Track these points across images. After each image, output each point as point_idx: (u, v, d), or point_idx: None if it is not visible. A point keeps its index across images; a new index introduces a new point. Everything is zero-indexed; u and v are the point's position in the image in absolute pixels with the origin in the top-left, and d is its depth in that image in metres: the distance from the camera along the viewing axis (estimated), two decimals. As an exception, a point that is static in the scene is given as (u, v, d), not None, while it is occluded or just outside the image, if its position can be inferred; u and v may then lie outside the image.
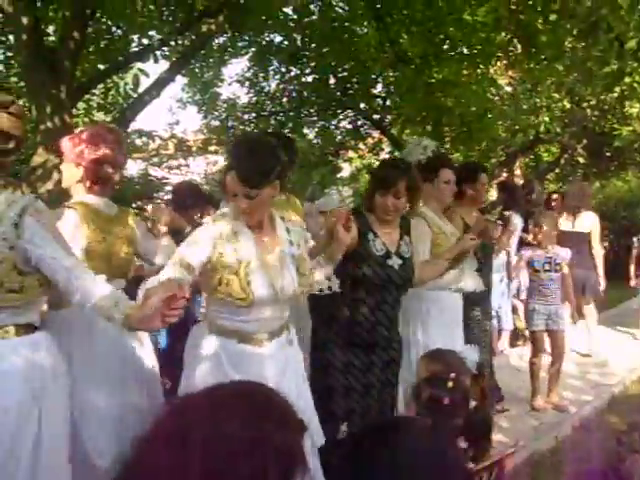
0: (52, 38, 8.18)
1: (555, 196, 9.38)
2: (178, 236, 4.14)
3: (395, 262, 3.73)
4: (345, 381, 3.71)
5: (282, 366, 3.09)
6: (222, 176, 3.07)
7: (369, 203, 3.80)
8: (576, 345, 7.79)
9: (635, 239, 9.58)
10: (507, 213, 7.05)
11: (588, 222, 7.87)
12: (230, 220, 2.99)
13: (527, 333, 6.77)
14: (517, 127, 12.60)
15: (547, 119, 12.60)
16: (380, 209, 3.73)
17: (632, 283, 9.37)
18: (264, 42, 11.69)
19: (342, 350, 3.73)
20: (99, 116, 11.01)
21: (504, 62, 9.28)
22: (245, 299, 2.93)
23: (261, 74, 13.47)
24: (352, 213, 3.55)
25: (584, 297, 7.82)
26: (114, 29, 8.41)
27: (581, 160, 16.48)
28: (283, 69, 12.93)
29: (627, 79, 5.93)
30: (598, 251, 7.93)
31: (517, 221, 7.64)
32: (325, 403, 3.59)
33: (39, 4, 6.57)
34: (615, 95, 8.69)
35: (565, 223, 7.85)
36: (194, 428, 1.30)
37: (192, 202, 5.56)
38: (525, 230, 8.10)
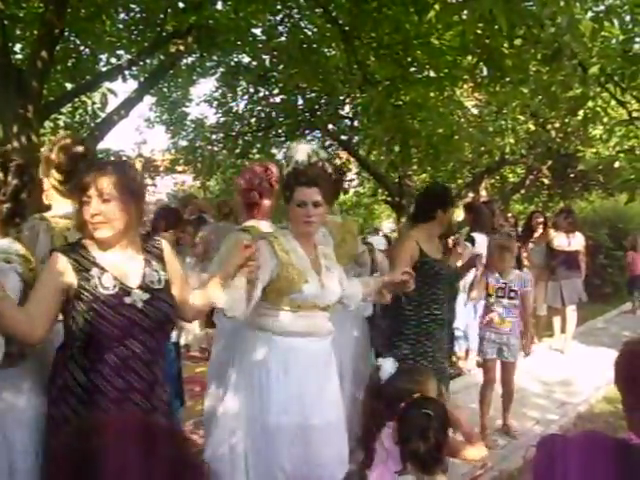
0: (20, 57, 8.14)
1: (540, 219, 9.62)
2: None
3: (137, 298, 2.75)
4: None
5: None
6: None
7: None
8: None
9: None
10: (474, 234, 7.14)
11: (580, 241, 9.28)
12: None
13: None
14: (483, 149, 12.76)
15: (512, 141, 12.77)
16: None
17: None
18: (232, 63, 11.75)
19: None
20: (66, 135, 10.94)
21: (470, 85, 9.39)
22: None
23: (229, 94, 13.53)
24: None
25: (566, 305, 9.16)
26: (82, 48, 8.41)
27: (546, 181, 16.71)
28: (251, 90, 13.02)
29: (590, 103, 6.02)
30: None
31: (482, 241, 7.72)
32: None
33: (7, 23, 6.54)
34: (579, 118, 8.82)
35: (560, 241, 9.11)
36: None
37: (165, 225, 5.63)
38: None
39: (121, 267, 2.79)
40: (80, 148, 3.39)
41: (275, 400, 3.42)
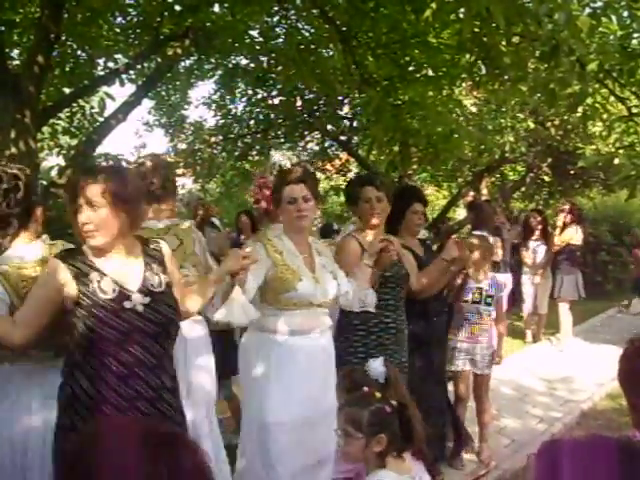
0: (16, 62, 8.13)
1: (538, 218, 9.61)
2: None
3: (137, 302, 2.73)
4: None
5: None
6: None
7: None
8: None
9: None
10: (476, 232, 7.10)
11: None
12: None
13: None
14: (483, 147, 12.73)
15: (512, 139, 12.75)
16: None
17: None
18: (230, 65, 11.70)
19: None
20: (65, 140, 10.92)
21: (469, 83, 9.37)
22: None
23: (228, 97, 13.49)
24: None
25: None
26: (79, 53, 8.39)
27: (546, 178, 16.67)
28: (250, 91, 12.97)
29: (589, 100, 6.00)
30: None
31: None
32: None
33: (3, 28, 6.53)
34: (578, 115, 8.81)
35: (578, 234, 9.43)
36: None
37: None
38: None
39: (120, 271, 2.77)
40: None
41: (275, 399, 3.52)
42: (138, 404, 2.67)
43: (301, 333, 3.61)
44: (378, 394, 2.71)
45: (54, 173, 7.27)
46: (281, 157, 4.45)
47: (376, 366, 2.95)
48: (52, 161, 10.62)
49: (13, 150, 5.82)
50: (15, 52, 8.25)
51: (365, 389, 2.74)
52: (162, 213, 3.93)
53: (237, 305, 3.25)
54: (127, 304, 2.69)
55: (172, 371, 2.87)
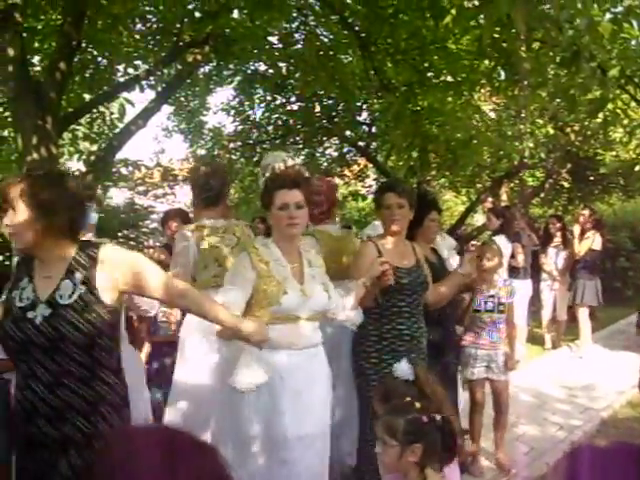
0: (38, 69, 8.20)
1: (558, 224, 9.59)
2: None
3: (39, 313, 2.56)
4: None
5: None
6: None
7: None
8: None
9: None
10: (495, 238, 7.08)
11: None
12: None
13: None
14: (502, 153, 12.68)
15: (531, 145, 12.68)
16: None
17: None
18: (249, 71, 11.76)
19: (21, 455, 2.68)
20: (85, 146, 11.00)
21: (488, 89, 9.36)
22: None
23: (246, 102, 13.52)
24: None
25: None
26: (100, 59, 8.46)
27: (565, 184, 16.59)
28: (268, 97, 13.00)
29: (610, 105, 5.96)
30: None
31: (507, 246, 7.73)
32: None
33: (25, 35, 6.58)
34: (598, 121, 8.76)
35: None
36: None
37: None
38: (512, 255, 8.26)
39: (43, 279, 2.67)
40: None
41: (246, 412, 3.34)
42: (37, 420, 2.56)
43: (279, 347, 3.35)
44: (418, 404, 2.70)
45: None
46: (279, 159, 4.35)
47: (402, 367, 2.95)
48: (72, 167, 10.70)
49: (35, 156, 5.86)
50: (36, 59, 8.32)
51: (407, 398, 2.74)
52: (218, 214, 4.53)
53: (246, 370, 3.24)
54: (30, 314, 2.58)
55: (89, 394, 2.62)
